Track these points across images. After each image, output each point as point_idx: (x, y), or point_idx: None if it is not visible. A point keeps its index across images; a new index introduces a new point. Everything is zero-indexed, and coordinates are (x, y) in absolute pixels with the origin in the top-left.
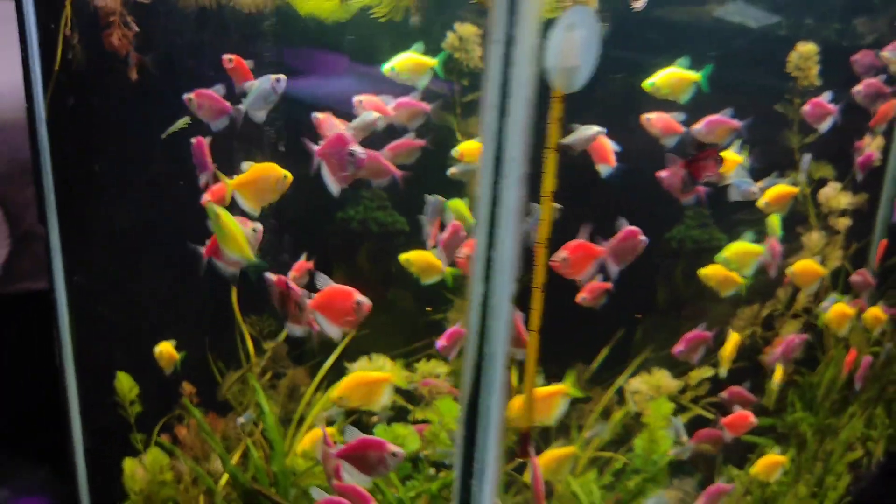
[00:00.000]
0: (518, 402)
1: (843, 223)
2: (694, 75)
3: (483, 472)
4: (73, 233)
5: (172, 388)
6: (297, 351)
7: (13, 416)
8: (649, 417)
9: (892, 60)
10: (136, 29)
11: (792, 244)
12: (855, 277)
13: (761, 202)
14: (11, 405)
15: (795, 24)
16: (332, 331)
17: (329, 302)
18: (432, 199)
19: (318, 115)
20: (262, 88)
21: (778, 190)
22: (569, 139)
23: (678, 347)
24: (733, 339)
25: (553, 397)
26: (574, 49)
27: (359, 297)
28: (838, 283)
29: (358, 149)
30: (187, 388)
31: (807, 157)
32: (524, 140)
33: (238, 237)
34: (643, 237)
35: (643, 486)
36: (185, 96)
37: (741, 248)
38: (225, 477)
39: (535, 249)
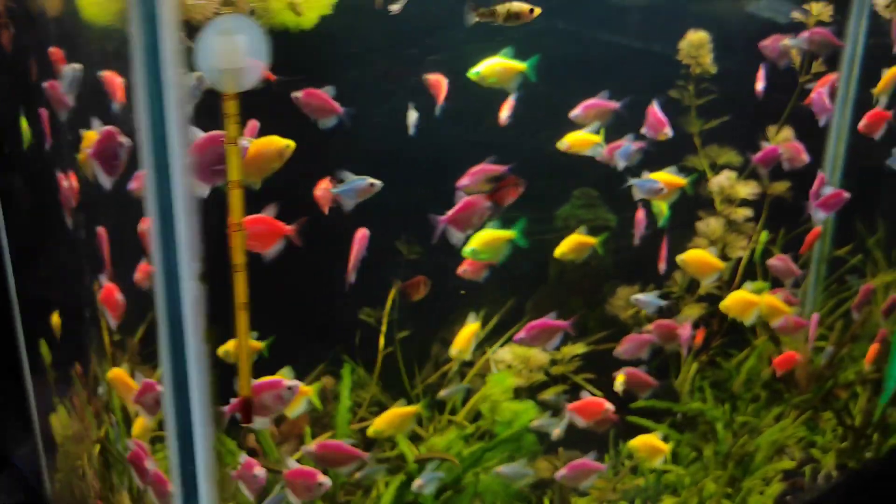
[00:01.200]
0: None
1: (742, 213)
2: (520, 65)
3: (194, 439)
4: None
5: None
6: None
7: None
8: (491, 388)
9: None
10: None
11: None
12: (774, 262)
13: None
14: None
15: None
16: None
17: None
18: None
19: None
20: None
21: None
22: None
23: (519, 335)
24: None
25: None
26: (237, 52)
27: None
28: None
29: None
30: None
31: None
32: (184, 134)
33: None
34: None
35: (481, 453)
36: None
37: (487, 235)
38: None
39: (229, 233)
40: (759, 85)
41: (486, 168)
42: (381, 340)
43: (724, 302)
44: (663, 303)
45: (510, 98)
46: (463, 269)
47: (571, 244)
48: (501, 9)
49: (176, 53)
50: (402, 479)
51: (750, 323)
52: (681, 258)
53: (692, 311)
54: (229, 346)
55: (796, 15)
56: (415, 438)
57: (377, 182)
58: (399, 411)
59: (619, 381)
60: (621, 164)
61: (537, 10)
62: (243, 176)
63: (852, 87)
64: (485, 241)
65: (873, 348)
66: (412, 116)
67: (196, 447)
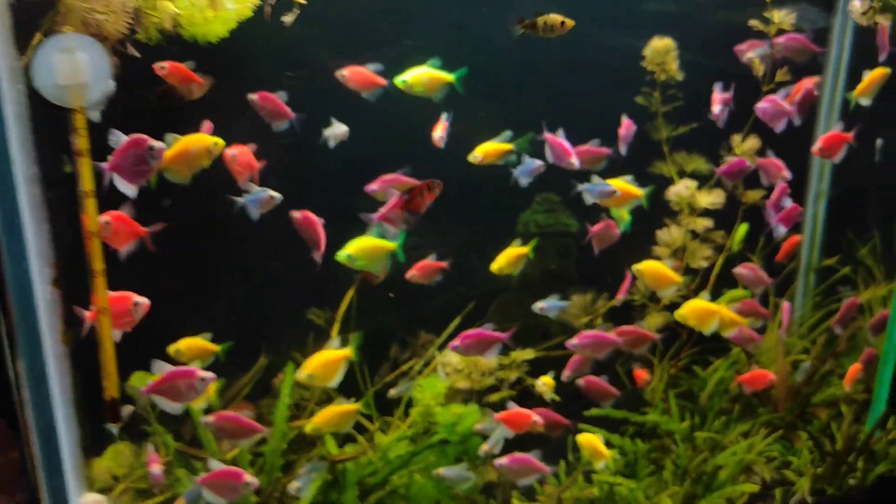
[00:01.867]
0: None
1: (702, 223)
2: (447, 76)
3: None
4: None
5: None
6: None
7: None
8: (421, 392)
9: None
10: None
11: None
12: (741, 270)
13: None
14: None
15: None
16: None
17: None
18: None
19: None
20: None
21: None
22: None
23: (454, 343)
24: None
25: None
26: (79, 69)
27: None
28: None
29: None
30: None
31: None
32: (26, 146)
33: None
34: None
35: (409, 456)
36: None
37: (365, 243)
38: None
39: (85, 240)
40: (716, 107)
41: (399, 178)
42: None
43: (679, 310)
44: (565, 304)
45: (443, 120)
46: (412, 275)
47: (508, 258)
48: (541, 20)
49: (10, 70)
50: (325, 479)
51: (710, 332)
52: (636, 268)
53: (656, 320)
54: (180, 345)
55: (754, 23)
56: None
57: (277, 195)
58: (338, 409)
59: (545, 382)
60: (523, 182)
61: (570, 22)
62: (172, 172)
63: (838, 93)
64: (361, 248)
65: (854, 368)
66: (338, 130)
67: (61, 442)
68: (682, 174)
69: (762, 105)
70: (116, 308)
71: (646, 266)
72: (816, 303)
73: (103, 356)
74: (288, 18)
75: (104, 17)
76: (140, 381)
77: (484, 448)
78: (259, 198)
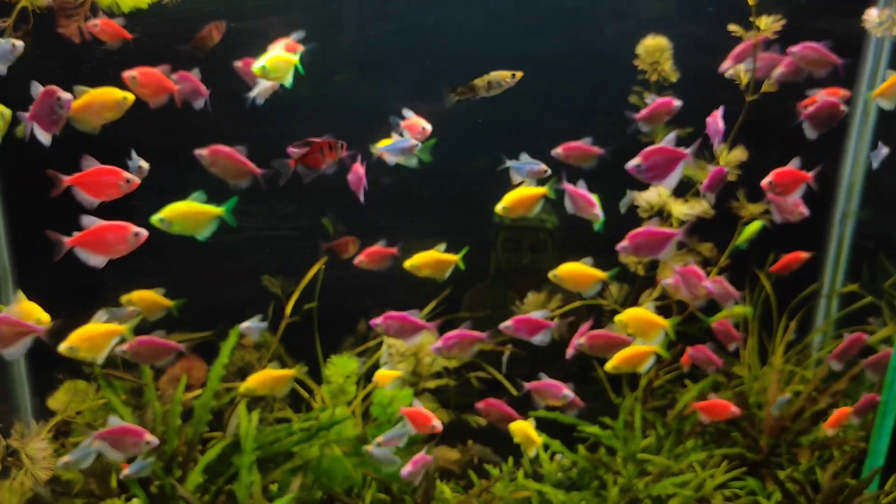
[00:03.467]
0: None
1: None
2: (293, 59)
3: None
4: None
5: None
6: None
7: None
8: (331, 371)
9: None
10: None
11: None
12: (710, 284)
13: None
14: None
15: None
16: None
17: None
18: None
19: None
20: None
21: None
22: None
23: (437, 345)
24: None
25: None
26: None
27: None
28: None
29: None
30: None
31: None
32: None
33: None
34: None
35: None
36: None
37: (183, 207)
38: None
39: None
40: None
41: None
42: (288, 309)
43: (619, 316)
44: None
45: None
46: (360, 260)
47: (426, 259)
48: (480, 82)
49: None
50: (228, 441)
51: (654, 344)
52: (553, 274)
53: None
54: (133, 295)
55: (735, 28)
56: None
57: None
58: (273, 373)
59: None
60: (390, 160)
61: (519, 74)
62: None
63: (872, 109)
64: (178, 213)
65: (841, 412)
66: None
67: None
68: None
69: (709, 120)
70: (115, 235)
71: (564, 269)
72: (838, 333)
73: None
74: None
75: None
76: None
77: (379, 440)
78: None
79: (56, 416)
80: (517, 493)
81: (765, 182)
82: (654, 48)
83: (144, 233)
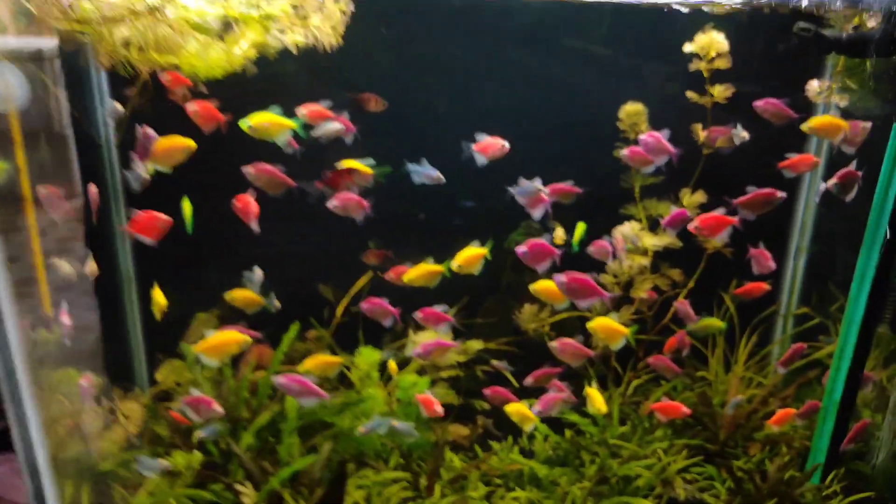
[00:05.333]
0: None
1: (639, 261)
2: (288, 122)
3: None
4: None
5: None
6: None
7: None
8: (359, 360)
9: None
10: None
11: None
12: (678, 305)
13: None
14: None
15: None
16: None
17: None
18: None
19: None
20: None
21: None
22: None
23: (416, 350)
24: None
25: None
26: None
27: None
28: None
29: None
30: None
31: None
32: None
33: None
34: None
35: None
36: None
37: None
38: None
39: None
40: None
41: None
42: (339, 310)
43: (590, 323)
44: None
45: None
46: (333, 205)
47: (420, 272)
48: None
49: None
50: (276, 411)
51: (616, 349)
52: (533, 288)
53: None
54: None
55: (692, 95)
56: None
57: None
58: (324, 358)
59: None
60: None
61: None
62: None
63: (821, 162)
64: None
65: (785, 412)
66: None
67: None
68: (650, 218)
69: (647, 138)
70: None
71: (540, 285)
72: None
73: None
74: None
75: None
76: None
77: (360, 430)
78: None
79: (156, 387)
80: (510, 465)
81: (691, 226)
82: (633, 112)
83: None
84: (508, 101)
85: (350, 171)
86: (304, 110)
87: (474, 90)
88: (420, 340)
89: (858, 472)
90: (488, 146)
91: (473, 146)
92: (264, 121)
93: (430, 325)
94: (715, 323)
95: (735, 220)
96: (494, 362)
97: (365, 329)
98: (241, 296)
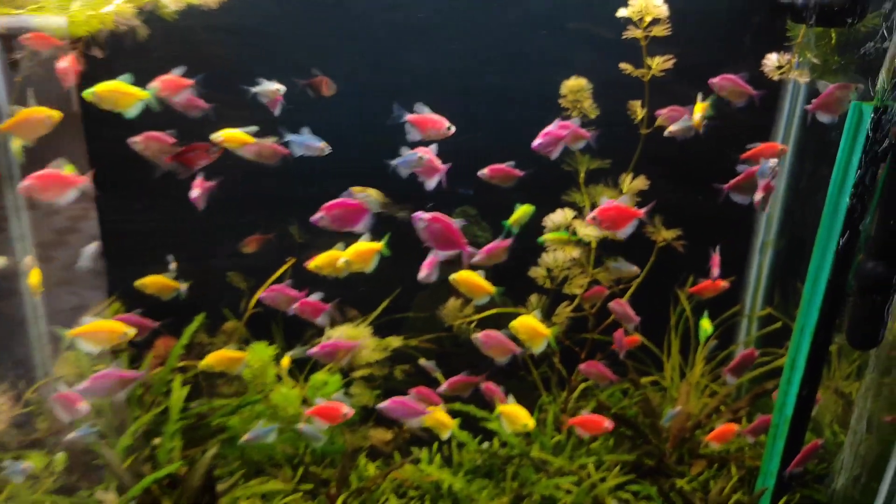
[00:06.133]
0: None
1: (570, 252)
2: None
3: None
4: None
5: None
6: None
7: None
8: (250, 357)
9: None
10: None
11: None
12: (613, 306)
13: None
14: None
15: None
16: None
17: None
18: None
19: None
20: None
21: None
22: None
23: (313, 350)
24: None
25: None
26: None
27: None
28: None
29: None
30: None
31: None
32: None
33: None
34: None
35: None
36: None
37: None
38: None
39: None
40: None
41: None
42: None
43: (513, 322)
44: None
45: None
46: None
47: (326, 259)
48: None
49: None
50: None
51: (538, 351)
52: (452, 278)
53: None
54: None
55: (626, 66)
56: None
57: None
58: (227, 353)
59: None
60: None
61: None
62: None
63: (788, 153)
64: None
65: (726, 428)
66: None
67: None
68: (594, 205)
69: (538, 140)
70: None
71: (461, 276)
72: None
73: None
74: None
75: None
76: None
77: (245, 437)
78: None
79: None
80: (425, 477)
81: (589, 217)
82: (575, 87)
83: None
84: (441, 72)
85: (205, 146)
86: (157, 83)
87: (404, 60)
88: (336, 335)
89: (813, 498)
90: (427, 122)
91: (409, 117)
92: (111, 89)
93: (307, 316)
94: (703, 325)
95: (641, 212)
96: (422, 361)
97: (286, 323)
98: (151, 282)
